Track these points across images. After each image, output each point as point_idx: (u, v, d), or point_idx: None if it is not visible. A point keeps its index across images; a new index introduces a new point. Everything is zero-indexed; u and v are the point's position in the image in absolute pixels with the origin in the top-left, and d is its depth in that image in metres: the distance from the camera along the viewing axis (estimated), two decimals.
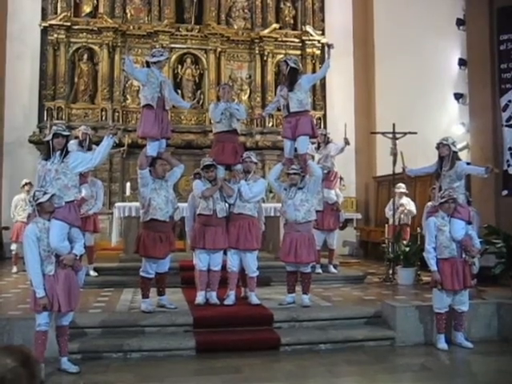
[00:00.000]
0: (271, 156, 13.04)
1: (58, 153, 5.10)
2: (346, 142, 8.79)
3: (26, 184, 9.92)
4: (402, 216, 9.90)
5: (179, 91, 12.47)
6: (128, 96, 13.16)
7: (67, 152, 5.18)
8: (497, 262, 7.43)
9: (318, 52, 13.69)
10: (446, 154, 6.40)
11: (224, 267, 6.69)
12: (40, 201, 4.72)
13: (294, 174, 6.64)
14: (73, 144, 7.53)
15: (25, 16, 12.83)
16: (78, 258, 4.94)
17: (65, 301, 4.73)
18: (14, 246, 9.79)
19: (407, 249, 8.66)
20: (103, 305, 6.73)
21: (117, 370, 5.10)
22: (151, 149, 6.51)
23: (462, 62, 10.46)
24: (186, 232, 7.24)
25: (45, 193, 4.76)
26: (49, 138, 5.15)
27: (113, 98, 12.87)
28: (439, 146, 6.46)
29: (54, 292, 4.71)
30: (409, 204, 10.08)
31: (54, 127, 5.26)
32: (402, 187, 9.96)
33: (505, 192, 9.40)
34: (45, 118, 12.42)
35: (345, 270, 9.48)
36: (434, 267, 5.87)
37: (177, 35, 13.21)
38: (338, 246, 9.86)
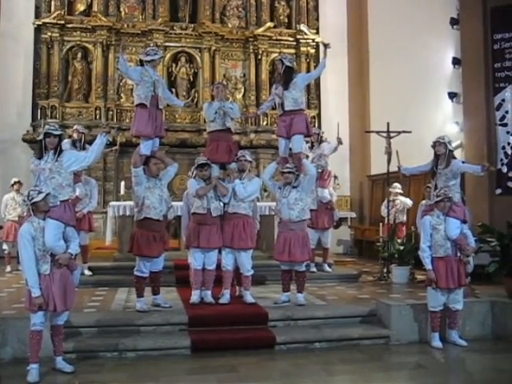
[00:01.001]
0: (266, 155, 13.04)
1: (52, 152, 5.06)
2: (339, 142, 8.80)
3: (15, 183, 9.88)
4: (397, 214, 9.91)
5: (173, 90, 12.48)
6: (122, 94, 13.14)
7: (61, 151, 5.14)
8: (490, 260, 7.45)
9: (313, 51, 13.73)
10: (443, 153, 6.40)
11: (219, 266, 6.68)
12: (35, 200, 4.70)
13: (289, 172, 6.64)
14: (66, 143, 7.49)
15: (18, 14, 12.77)
16: (73, 257, 4.91)
17: (60, 300, 4.71)
18: (5, 246, 9.77)
19: (401, 247, 8.68)
20: (98, 304, 6.71)
21: (112, 370, 5.09)
22: (145, 148, 6.49)
23: (456, 61, 10.50)
24: (181, 230, 7.23)
25: (39, 192, 4.74)
26: (41, 137, 5.12)
27: (107, 97, 12.84)
28: (436, 144, 6.44)
29: (49, 291, 4.69)
30: (402, 202, 10.11)
31: (46, 126, 5.21)
32: (397, 187, 9.97)
33: (498, 191, 9.45)
34: (38, 117, 12.38)
35: (339, 268, 9.49)
36: (429, 266, 5.88)
37: (171, 34, 13.20)
38: (332, 244, 9.87)
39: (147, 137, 6.51)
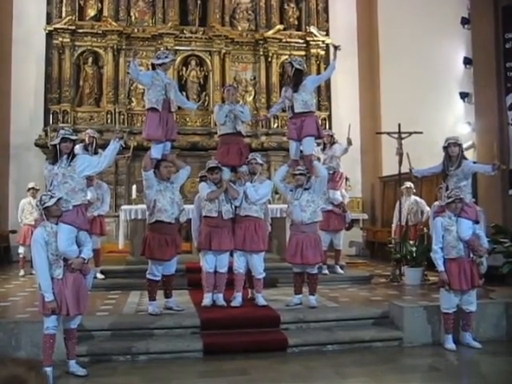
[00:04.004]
0: (277, 157, 13.04)
1: (65, 157, 5.10)
2: (349, 143, 8.78)
3: (30, 189, 9.96)
4: (409, 216, 9.85)
5: (184, 93, 12.45)
6: (133, 98, 13.21)
7: (74, 156, 5.18)
8: (504, 261, 7.41)
9: (323, 52, 13.70)
10: (457, 154, 6.34)
11: (230, 269, 6.69)
12: (47, 205, 4.72)
13: (300, 174, 6.63)
14: (78, 148, 7.52)
15: (30, 20, 12.90)
16: (86, 261, 4.94)
17: (73, 304, 4.74)
18: (21, 249, 9.83)
19: (414, 249, 8.63)
20: (110, 307, 6.74)
21: (124, 373, 5.11)
22: (155, 151, 6.51)
23: (467, 61, 10.45)
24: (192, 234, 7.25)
25: (51, 197, 4.76)
26: (56, 142, 5.14)
27: (118, 101, 12.91)
28: (450, 145, 6.35)
29: (62, 296, 4.72)
30: (416, 204, 10.04)
31: (62, 131, 5.22)
32: (407, 184, 9.88)
33: (511, 191, 9.37)
34: (50, 122, 12.48)
35: (351, 270, 9.46)
36: (441, 267, 5.84)
37: (181, 37, 13.25)
38: (344, 246, 9.83)
39: (158, 140, 6.53)
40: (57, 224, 4.79)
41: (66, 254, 4.74)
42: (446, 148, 6.42)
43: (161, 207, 6.22)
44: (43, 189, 5.50)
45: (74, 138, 5.17)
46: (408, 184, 9.86)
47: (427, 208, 10.05)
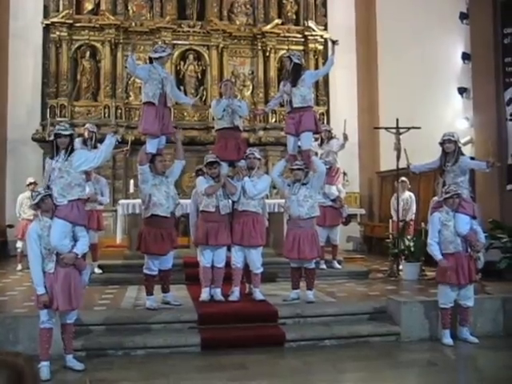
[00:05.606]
0: (275, 152, 13.00)
1: (63, 151, 5.09)
2: (345, 138, 8.78)
3: (30, 183, 9.93)
4: (404, 211, 9.89)
5: (182, 88, 12.46)
6: (131, 93, 13.16)
7: (72, 150, 5.16)
8: (502, 256, 7.43)
9: (321, 47, 13.65)
10: (452, 150, 6.35)
11: (228, 264, 6.68)
12: (33, 203, 4.83)
13: (298, 169, 6.62)
14: (77, 142, 7.49)
15: (27, 14, 12.84)
16: (79, 256, 4.90)
17: (63, 299, 4.72)
18: (19, 244, 9.79)
19: (411, 244, 8.64)
20: (108, 302, 6.74)
21: (122, 367, 5.11)
22: (150, 146, 6.49)
23: (465, 56, 10.43)
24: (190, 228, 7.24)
25: (38, 194, 4.83)
26: (51, 138, 5.14)
27: (115, 95, 12.85)
28: (445, 141, 6.37)
29: (53, 290, 4.73)
30: (410, 199, 10.10)
31: (57, 126, 5.21)
32: (402, 178, 9.92)
33: (509, 186, 9.38)
34: (48, 116, 12.41)
35: (349, 265, 9.46)
36: (439, 256, 5.82)
37: (179, 32, 13.19)
38: (342, 241, 9.83)
39: (154, 135, 6.51)
40: (52, 218, 4.79)
41: (58, 248, 4.74)
42: (441, 144, 6.43)
43: (156, 201, 6.21)
44: (42, 183, 5.54)
45: (67, 133, 5.11)
46: (403, 178, 9.88)
47: (415, 206, 10.13)
